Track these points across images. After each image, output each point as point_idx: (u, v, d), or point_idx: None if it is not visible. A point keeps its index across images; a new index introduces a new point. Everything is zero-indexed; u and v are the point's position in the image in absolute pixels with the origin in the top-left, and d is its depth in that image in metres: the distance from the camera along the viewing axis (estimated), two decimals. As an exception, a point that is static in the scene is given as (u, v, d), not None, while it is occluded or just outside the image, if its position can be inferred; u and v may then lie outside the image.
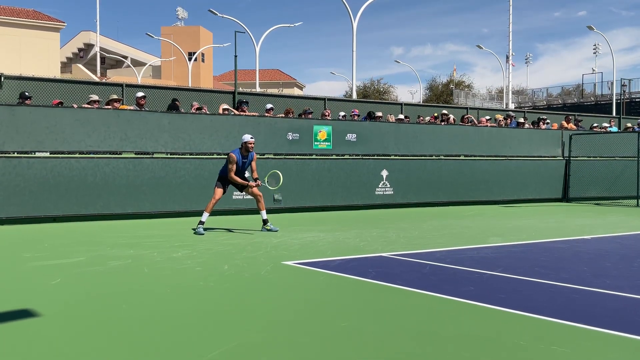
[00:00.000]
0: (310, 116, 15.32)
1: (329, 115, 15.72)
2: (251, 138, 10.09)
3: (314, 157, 14.46)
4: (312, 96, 19.52)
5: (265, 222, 10.26)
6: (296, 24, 44.69)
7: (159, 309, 5.00)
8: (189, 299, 5.37)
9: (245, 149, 10.04)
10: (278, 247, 8.39)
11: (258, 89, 40.13)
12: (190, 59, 54.26)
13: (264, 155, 13.87)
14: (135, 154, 12.34)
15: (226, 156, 12.77)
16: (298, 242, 9.01)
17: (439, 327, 4.52)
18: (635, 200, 17.28)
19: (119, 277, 6.34)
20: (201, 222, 9.94)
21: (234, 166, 9.95)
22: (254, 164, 10.18)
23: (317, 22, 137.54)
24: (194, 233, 9.87)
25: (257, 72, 42.75)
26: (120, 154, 12.19)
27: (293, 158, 14.10)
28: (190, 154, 12.93)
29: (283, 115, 15.00)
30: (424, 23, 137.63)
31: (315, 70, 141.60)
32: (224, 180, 10.14)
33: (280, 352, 3.89)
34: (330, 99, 18.39)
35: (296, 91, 69.03)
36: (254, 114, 14.47)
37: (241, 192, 10.39)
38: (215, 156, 13.17)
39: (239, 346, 4.01)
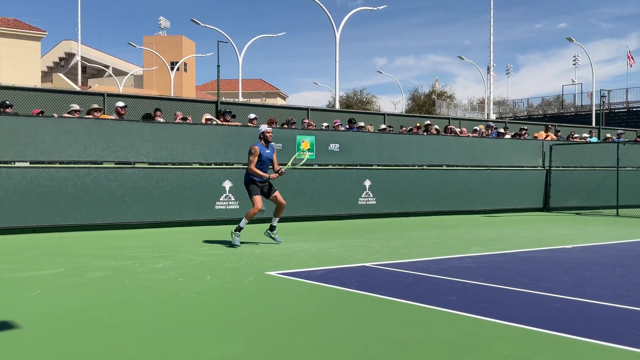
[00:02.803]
0: (293, 126, 15.32)
1: (314, 125, 15.74)
2: (268, 127, 9.61)
3: (297, 167, 14.44)
4: (295, 106, 19.54)
5: (272, 228, 9.86)
6: (279, 34, 44.80)
7: (141, 321, 4.95)
8: (171, 310, 5.32)
9: (265, 139, 9.48)
10: (261, 257, 8.36)
11: (241, 99, 40.10)
12: (172, 69, 54.09)
13: (246, 165, 13.83)
14: (116, 163, 12.25)
15: (196, 166, 12.71)
16: (281, 252, 8.98)
17: (422, 336, 4.52)
18: (615, 210, 17.47)
19: (100, 288, 6.27)
20: (239, 229, 9.49)
21: (255, 158, 9.30)
22: (274, 157, 9.62)
23: (301, 32, 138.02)
24: (232, 243, 9.47)
25: (240, 82, 42.73)
26: (101, 163, 12.10)
27: (276, 168, 14.08)
28: (173, 164, 12.87)
29: (266, 125, 14.99)
30: (407, 34, 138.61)
31: (298, 81, 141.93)
32: (252, 183, 9.47)
33: (262, 364, 3.86)
34: (313, 109, 18.43)
35: (279, 101, 69.06)
36: (237, 123, 14.44)
37: (267, 196, 9.62)
38: (197, 166, 13.12)
39: (222, 357, 3.97)
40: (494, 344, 4.32)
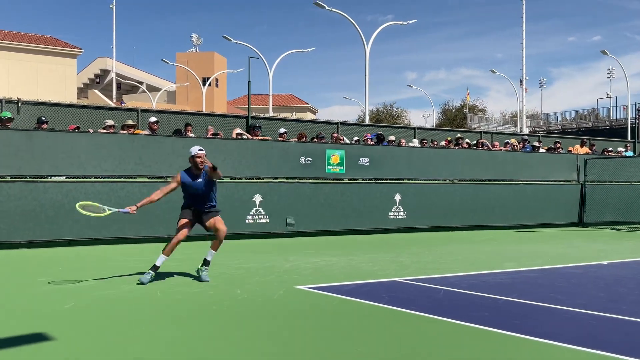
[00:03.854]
0: (322, 140, 15.37)
1: (342, 140, 15.76)
2: (200, 150, 7.66)
3: (326, 181, 14.47)
4: (325, 120, 19.59)
5: (207, 262, 7.81)
6: (309, 50, 45.10)
7: (172, 335, 4.99)
8: (203, 323, 5.35)
9: (194, 165, 7.65)
10: (290, 272, 8.37)
11: (271, 114, 40.39)
12: (204, 84, 54.80)
13: (277, 179, 13.91)
14: (149, 178, 12.41)
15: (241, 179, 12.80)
16: (311, 266, 8.97)
17: (454, 353, 4.46)
18: (652, 225, 17.07)
19: (133, 301, 6.34)
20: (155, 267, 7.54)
21: (172, 185, 7.70)
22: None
23: (331, 47, 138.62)
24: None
25: (270, 97, 43.06)
26: (134, 178, 12.27)
27: (306, 182, 14.12)
28: (204, 178, 12.98)
29: (296, 139, 15.07)
30: (438, 48, 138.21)
31: (328, 95, 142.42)
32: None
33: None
34: (343, 123, 18.46)
35: (309, 115, 69.35)
36: (267, 138, 14.55)
37: (200, 222, 7.90)
38: (228, 180, 13.22)
39: (251, 371, 3.98)
40: (527, 361, 4.24)
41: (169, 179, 12.53)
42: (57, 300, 6.29)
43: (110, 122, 12.81)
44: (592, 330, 5.18)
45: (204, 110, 49.19)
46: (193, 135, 13.79)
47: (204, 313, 5.77)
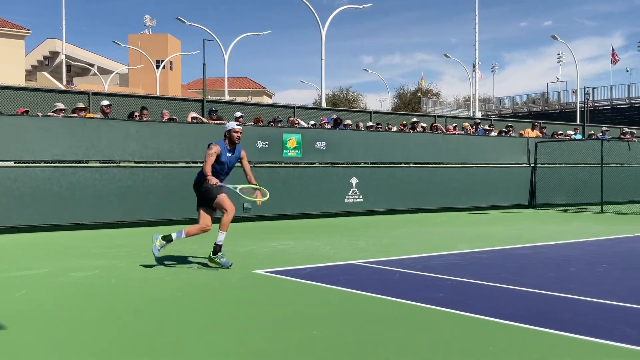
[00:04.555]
0: (279, 124, 15.31)
1: (299, 124, 15.73)
2: (238, 125, 7.51)
3: (283, 165, 14.44)
4: (281, 104, 19.52)
5: (215, 249, 7.48)
6: (265, 33, 44.71)
7: (127, 320, 4.93)
8: (158, 310, 5.30)
9: (230, 140, 7.47)
10: (247, 256, 8.35)
11: (227, 97, 39.98)
12: (158, 67, 53.83)
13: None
14: (102, 162, 12.17)
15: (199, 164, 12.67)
16: (268, 250, 8.97)
17: (410, 334, 4.54)
18: (600, 206, 17.63)
19: (86, 288, 6.23)
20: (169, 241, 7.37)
21: (210, 159, 7.26)
22: (245, 162, 7.71)
23: (287, 31, 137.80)
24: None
25: (226, 80, 42.60)
26: (86, 162, 12.02)
27: (263, 166, 14.07)
28: (159, 163, 12.80)
29: (252, 123, 14.97)
30: (393, 32, 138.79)
31: (284, 79, 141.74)
32: (200, 194, 7.47)
33: (250, 362, 3.87)
34: (299, 107, 18.42)
35: (265, 99, 68.93)
36: (223, 122, 14.40)
37: (209, 205, 7.44)
38: (184, 165, 13.06)
39: (210, 356, 3.97)
40: (481, 340, 4.35)
41: (122, 164, 12.32)
42: (8, 289, 6.13)
43: (61, 106, 12.47)
44: (542, 309, 5.33)
45: (158, 93, 48.33)
46: (148, 119, 13.55)
47: (160, 300, 5.71)
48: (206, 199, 7.40)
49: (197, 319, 5.00)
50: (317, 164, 14.95)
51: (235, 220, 13.37)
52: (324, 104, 30.75)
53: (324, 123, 16.32)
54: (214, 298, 5.80)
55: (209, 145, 7.40)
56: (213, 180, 7.18)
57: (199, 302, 5.64)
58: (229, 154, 7.44)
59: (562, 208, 18.27)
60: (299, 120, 16.32)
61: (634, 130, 25.78)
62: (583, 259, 8.27)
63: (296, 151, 14.55)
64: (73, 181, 11.68)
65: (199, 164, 13.23)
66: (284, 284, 6.46)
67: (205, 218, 7.46)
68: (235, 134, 7.42)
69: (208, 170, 7.21)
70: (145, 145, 12.58)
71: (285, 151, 14.41)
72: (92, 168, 11.96)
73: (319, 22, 29.21)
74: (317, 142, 14.89)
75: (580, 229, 12.54)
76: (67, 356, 3.99)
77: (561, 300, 5.68)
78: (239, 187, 7.59)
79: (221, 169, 7.42)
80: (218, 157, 7.31)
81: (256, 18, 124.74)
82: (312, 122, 16.68)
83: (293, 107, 18.05)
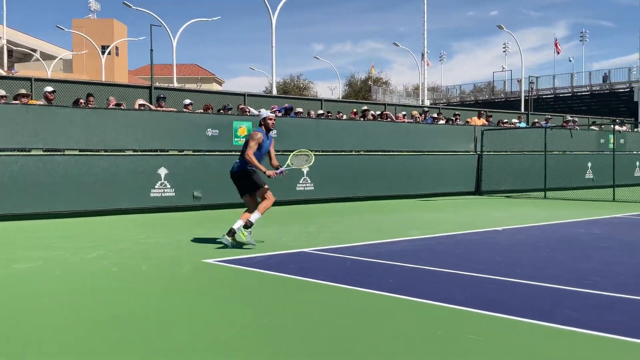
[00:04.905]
0: (229, 112, 15.16)
1: (249, 111, 15.61)
2: (272, 113, 8.24)
3: (234, 153, 14.31)
4: (231, 91, 19.33)
5: (233, 231, 7.99)
6: (214, 19, 44.18)
7: (73, 313, 4.81)
8: (105, 302, 5.20)
9: (266, 127, 8.07)
10: (198, 245, 8.26)
11: (176, 84, 39.34)
12: (103, 53, 52.50)
13: (182, 152, 13.62)
14: (45, 151, 11.81)
15: (132, 152, 12.45)
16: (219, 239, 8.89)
17: (360, 320, 4.58)
18: (543, 192, 18.15)
19: (30, 280, 6.05)
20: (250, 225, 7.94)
21: (256, 145, 7.80)
22: (272, 148, 8.22)
23: (236, 17, 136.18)
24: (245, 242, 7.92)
25: (175, 67, 41.89)
26: (29, 151, 11.64)
27: (213, 154, 13.92)
28: (105, 151, 12.52)
29: (202, 111, 14.78)
30: (344, 20, 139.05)
31: (234, 66, 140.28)
32: (236, 179, 8.10)
33: (202, 352, 3.83)
34: (250, 95, 18.28)
35: (215, 86, 68.12)
36: (172, 109, 14.18)
37: (252, 190, 8.04)
38: (131, 153, 12.81)
39: (159, 348, 3.91)
40: (431, 325, 4.42)
41: (67, 152, 11.99)
42: (-54, 282, 5.90)
43: (2, 92, 12.04)
44: (491, 293, 5.46)
45: (103, 79, 47.16)
46: (95, 106, 13.20)
47: (108, 291, 5.60)
48: (251, 187, 8.08)
49: (145, 309, 4.92)
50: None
51: (186, 209, 13.27)
52: (274, 92, 30.60)
53: (275, 111, 16.24)
54: (164, 289, 5.72)
55: (252, 132, 8.09)
56: (270, 172, 7.97)
57: (149, 293, 5.55)
58: (267, 141, 8.06)
59: (507, 194, 18.73)
60: (250, 107, 16.20)
61: (576, 119, 26.62)
62: (528, 243, 8.50)
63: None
64: (15, 170, 11.31)
65: (148, 153, 12.99)
66: (235, 273, 6.42)
67: (256, 200, 8.14)
68: (270, 122, 8.08)
69: (255, 160, 7.84)
70: (91, 133, 12.27)
71: (236, 139, 14.28)
72: (35, 157, 11.59)
73: (269, 8, 28.98)
74: (268, 130, 14.80)
75: (525, 214, 12.88)
76: (7, 349, 3.87)
77: (508, 284, 5.83)
78: (289, 163, 8.46)
79: (260, 155, 7.98)
80: (259, 144, 7.90)
81: (205, 4, 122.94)
82: (263, 110, 16.56)
83: (244, 94, 17.91)
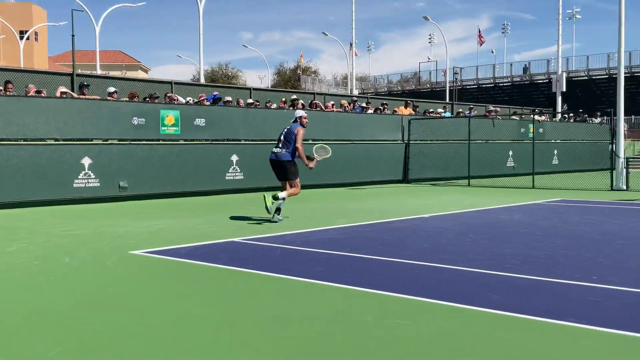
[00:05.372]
0: (156, 100, 14.83)
1: (177, 100, 15.32)
2: (304, 112, 10.04)
3: (161, 142, 14.04)
4: (158, 79, 18.90)
5: (277, 210, 9.50)
6: (139, 4, 42.95)
7: (-7, 309, 4.62)
8: (27, 296, 5.01)
9: (301, 123, 9.76)
10: (124, 237, 8.08)
11: (99, 71, 38.10)
12: (21, 38, 50.18)
13: (107, 141, 13.24)
14: (-41, 140, 11.22)
15: (57, 141, 12.05)
16: (146, 230, 8.73)
17: (291, 308, 4.61)
18: (467, 180, 18.72)
19: (-56, 276, 5.76)
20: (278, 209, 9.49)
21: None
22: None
23: (163, 3, 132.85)
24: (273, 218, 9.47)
25: (98, 53, 40.52)
26: (-60, 140, 11.03)
27: (139, 143, 13.60)
28: (25, 140, 12.01)
29: (127, 99, 14.40)
30: (273, 9, 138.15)
31: (161, 53, 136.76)
32: (277, 166, 9.71)
33: (128, 346, 3.76)
34: (177, 83, 17.93)
35: (141, 74, 66.41)
36: (96, 97, 13.74)
37: (287, 178, 9.73)
38: (52, 142, 12.34)
39: (82, 342, 3.81)
40: (360, 311, 4.50)
41: (-18, 142, 11.42)
42: None
43: None
44: (417, 278, 5.61)
45: (22, 66, 45.11)
46: (14, 94, 12.62)
47: (27, 286, 5.39)
48: (287, 176, 9.70)
49: (68, 303, 4.78)
50: (196, 142, 14.67)
51: (110, 199, 12.93)
52: (202, 80, 30.15)
53: (203, 100, 16.00)
54: (88, 282, 5.56)
55: (299, 128, 9.59)
56: (311, 164, 9.88)
57: (72, 286, 5.39)
58: None
59: (433, 182, 19.21)
60: (177, 96, 15.90)
61: (498, 109, 27.52)
62: (453, 230, 8.76)
63: (174, 128, 14.20)
64: None
65: (70, 142, 12.54)
66: (163, 264, 6.32)
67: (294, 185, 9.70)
68: (305, 120, 9.82)
69: (303, 155, 9.56)
70: (9, 122, 11.74)
71: (163, 128, 14.01)
72: (-53, 146, 11.00)
73: (196, -5, 28.44)
74: (197, 119, 14.60)
75: (450, 201, 13.26)
76: None
77: (434, 269, 6.00)
78: (316, 155, 10.18)
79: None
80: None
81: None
82: (189, 99, 16.29)
83: (170, 82, 17.53)
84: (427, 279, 5.61)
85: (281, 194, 9.42)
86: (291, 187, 9.64)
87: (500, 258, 6.52)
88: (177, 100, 15.40)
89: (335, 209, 11.84)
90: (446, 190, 16.77)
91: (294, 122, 9.82)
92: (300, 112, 9.92)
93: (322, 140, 17.25)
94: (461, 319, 4.30)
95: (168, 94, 15.77)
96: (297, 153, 9.55)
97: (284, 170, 9.64)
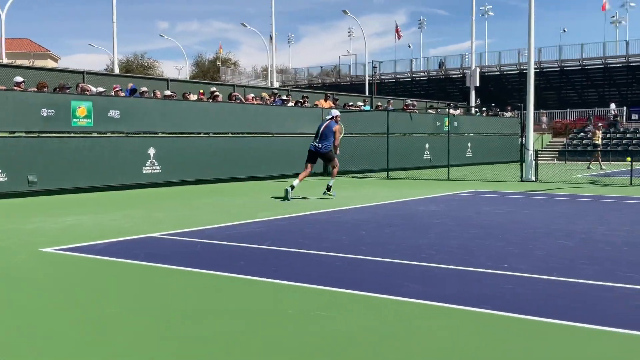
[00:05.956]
0: (67, 91, 14.22)
1: (89, 91, 14.75)
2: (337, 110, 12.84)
3: (73, 135, 13.49)
4: (69, 69, 18.15)
5: (329, 187, 12.25)
6: (48, -10, 41.02)
7: None
8: None
9: (336, 120, 12.23)
10: (34, 234, 7.71)
11: (5, 60, 36.17)
12: None
13: (14, 133, 12.59)
14: None
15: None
16: (57, 226, 8.37)
17: (212, 303, 4.53)
18: (386, 172, 19.07)
19: None
20: (292, 187, 11.76)
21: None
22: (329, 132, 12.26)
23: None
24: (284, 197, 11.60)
25: (3, 41, 38.45)
26: None
27: (49, 136, 13.01)
28: None
29: (36, 89, 13.73)
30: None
31: (72, 42, 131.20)
32: (320, 156, 12.29)
33: (40, 347, 3.58)
34: (89, 73, 17.28)
35: (50, 63, 63.57)
36: (1, 87, 13.03)
37: (328, 161, 12.50)
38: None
39: (-10, 346, 3.60)
40: (282, 304, 4.48)
41: None
42: None
43: None
44: (337, 271, 5.65)
45: None
46: None
47: None
48: (329, 160, 12.43)
49: (-25, 305, 4.50)
50: (110, 134, 14.20)
51: (20, 195, 12.34)
52: (117, 70, 29.20)
53: (117, 91, 15.50)
54: (-5, 281, 5.27)
55: (336, 127, 12.10)
56: (338, 152, 12.37)
57: (-23, 287, 5.09)
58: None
59: (353, 175, 19.45)
60: (90, 86, 15.31)
61: (415, 103, 28.17)
62: (372, 221, 8.89)
63: (87, 120, 13.68)
64: None
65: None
66: (76, 262, 6.08)
67: (309, 169, 12.36)
68: (339, 118, 12.43)
69: (338, 146, 12.40)
70: None
71: (74, 120, 13.46)
72: None
73: (110, -18, 27.48)
74: (111, 111, 14.12)
75: (369, 194, 13.46)
76: None
77: (354, 261, 6.06)
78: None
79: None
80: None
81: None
82: (101, 89, 15.74)
83: (82, 72, 16.87)
84: (347, 270, 5.67)
85: (330, 182, 12.38)
86: (333, 167, 12.40)
87: (418, 248, 6.67)
88: (90, 91, 14.83)
89: (257, 202, 11.77)
90: (366, 182, 17.01)
91: (330, 119, 12.19)
92: (335, 112, 12.49)
93: (241, 133, 17.12)
94: (381, 309, 4.37)
95: (80, 85, 15.16)
96: (334, 144, 12.21)
97: (325, 158, 12.34)
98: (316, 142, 12.11)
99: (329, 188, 12.20)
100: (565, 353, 3.47)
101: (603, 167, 23.97)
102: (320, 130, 12.09)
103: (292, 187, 11.68)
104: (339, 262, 6.00)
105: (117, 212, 10.06)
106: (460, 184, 16.05)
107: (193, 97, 17.49)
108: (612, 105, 38.45)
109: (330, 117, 12.33)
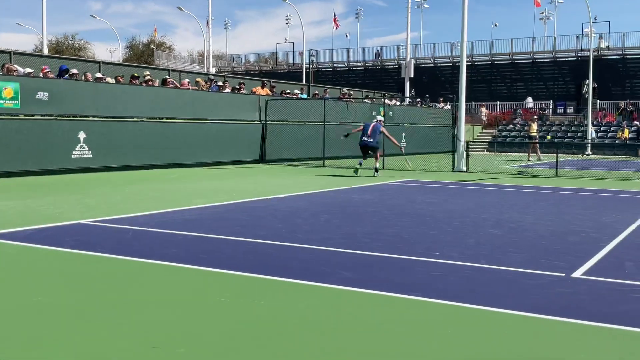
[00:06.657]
0: (-8, 71, 13.59)
1: (16, 71, 14.14)
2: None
3: (2, 117, 12.92)
4: (-7, 48, 17.30)
5: (377, 170, 15.46)
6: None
7: None
8: None
9: (379, 122, 15.91)
10: (-45, 220, 7.36)
11: None
12: None
13: None
14: None
15: None
16: (-20, 212, 8.01)
17: (144, 292, 4.46)
18: (322, 161, 19.15)
19: None
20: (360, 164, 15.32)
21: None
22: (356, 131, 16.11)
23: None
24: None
25: None
26: None
27: (-29, 118, 12.42)
28: None
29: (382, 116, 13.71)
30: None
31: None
32: (369, 148, 15.37)
33: (-40, 338, 3.43)
34: (17, 53, 16.56)
35: (-26, 41, 60.50)
36: None
37: (375, 151, 15.39)
38: None
39: None
40: (215, 292, 4.45)
41: None
42: None
43: None
44: (272, 258, 5.64)
45: None
46: None
47: None
48: (377, 150, 15.41)
49: None
50: (38, 117, 13.67)
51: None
52: (45, 51, 28.11)
53: (47, 72, 14.92)
54: None
55: (383, 128, 15.59)
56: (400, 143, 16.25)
57: None
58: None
59: (289, 163, 19.44)
60: (17, 67, 14.67)
61: (352, 92, 28.37)
62: (308, 209, 8.93)
63: (13, 102, 13.12)
64: None
65: None
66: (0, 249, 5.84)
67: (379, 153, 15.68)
68: (382, 122, 16.07)
69: (395, 140, 16.38)
70: None
71: (0, 101, 12.89)
72: None
73: (38, -42, 26.36)
74: (39, 93, 13.60)
75: (305, 182, 13.50)
76: None
77: (289, 249, 6.07)
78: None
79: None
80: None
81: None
82: (29, 70, 15.12)
83: (9, 52, 16.15)
84: (282, 258, 5.67)
85: (376, 165, 15.52)
86: (377, 158, 15.44)
87: (352, 236, 6.75)
88: (17, 71, 14.21)
89: (191, 189, 11.61)
90: (302, 170, 17.05)
91: (376, 122, 15.75)
92: (380, 117, 16.89)
93: (175, 118, 16.82)
94: (315, 296, 4.40)
95: (6, 65, 14.50)
96: (390, 140, 16.03)
97: (374, 149, 15.29)
98: (367, 138, 15.17)
99: (376, 170, 15.36)
100: (491, 338, 3.59)
101: (541, 157, 24.82)
102: (369, 130, 15.21)
103: (376, 170, 15.36)
104: (273, 250, 6.00)
105: (45, 197, 9.72)
106: (394, 172, 16.30)
107: (125, 81, 17.03)
108: (529, 99, 40.29)
109: (375, 120, 16.12)
